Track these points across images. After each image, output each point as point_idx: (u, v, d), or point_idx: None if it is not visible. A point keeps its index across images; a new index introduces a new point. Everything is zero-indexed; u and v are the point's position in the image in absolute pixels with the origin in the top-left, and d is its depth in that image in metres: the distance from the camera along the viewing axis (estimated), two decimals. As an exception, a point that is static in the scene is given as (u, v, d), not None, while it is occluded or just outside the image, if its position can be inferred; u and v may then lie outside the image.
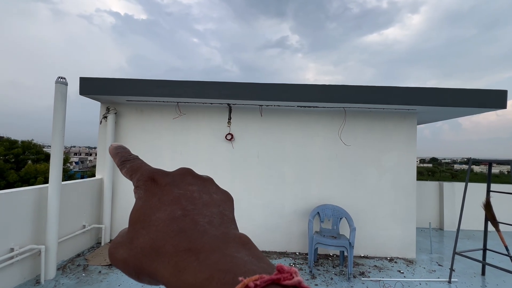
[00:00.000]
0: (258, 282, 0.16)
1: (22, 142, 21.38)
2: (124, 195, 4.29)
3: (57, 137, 3.07)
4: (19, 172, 18.81)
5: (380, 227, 4.12)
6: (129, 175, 0.28)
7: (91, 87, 3.87)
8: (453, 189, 5.89)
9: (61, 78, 3.10)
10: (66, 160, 26.31)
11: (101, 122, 4.26)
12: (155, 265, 0.20)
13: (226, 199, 0.26)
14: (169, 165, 4.27)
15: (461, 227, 5.79)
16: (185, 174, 0.27)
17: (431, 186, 6.10)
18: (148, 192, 0.25)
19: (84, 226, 3.83)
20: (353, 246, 3.25)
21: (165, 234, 0.21)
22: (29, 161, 21.03)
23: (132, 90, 3.87)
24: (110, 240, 4.20)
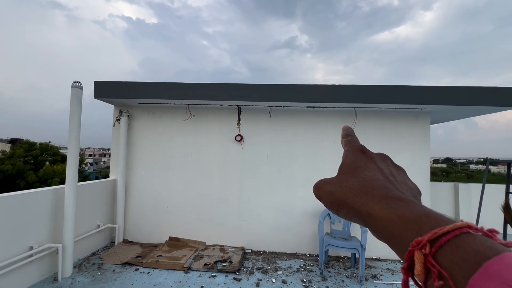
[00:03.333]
0: (477, 227, 0.19)
1: (40, 144, 22.20)
2: (137, 196, 4.39)
3: (73, 139, 3.18)
4: (37, 173, 19.54)
5: (392, 229, 4.03)
6: (345, 143, 0.37)
7: (104, 90, 3.98)
8: (469, 190, 5.70)
9: (77, 82, 3.21)
10: (81, 161, 27.13)
11: (114, 124, 4.38)
12: (363, 200, 0.26)
13: (416, 189, 0.31)
14: (181, 166, 4.34)
15: (478, 230, 5.60)
16: (386, 157, 0.34)
17: (445, 187, 5.92)
18: (356, 156, 0.32)
19: (98, 226, 3.94)
20: (364, 248, 3.20)
21: (372, 185, 0.27)
22: (47, 163, 21.80)
23: (143, 93, 3.96)
24: (124, 239, 4.30)
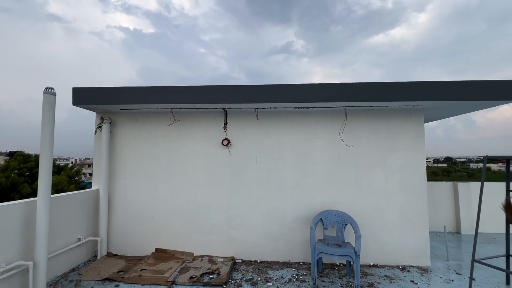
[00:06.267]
0: None
1: (35, 155, 21.94)
2: (121, 206, 4.18)
3: (45, 148, 2.99)
4: (32, 185, 19.24)
5: (390, 233, 3.83)
6: None
7: (83, 97, 3.81)
8: (469, 189, 5.51)
9: (49, 88, 3.04)
10: (78, 172, 26.80)
11: (95, 132, 4.20)
12: None
13: None
14: (166, 173, 4.15)
15: (481, 230, 5.41)
16: None
17: (444, 187, 5.74)
18: None
19: (79, 239, 3.73)
20: (359, 255, 2.99)
21: None
22: (42, 174, 21.46)
23: (125, 98, 3.79)
24: (108, 252, 4.08)
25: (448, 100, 3.36)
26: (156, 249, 4.07)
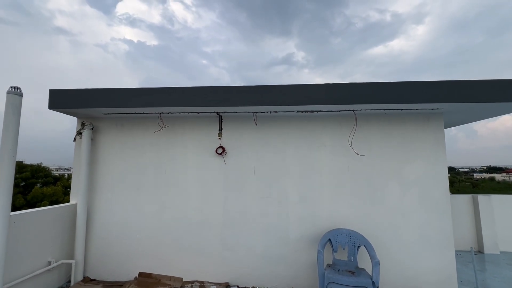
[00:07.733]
0: None
1: (31, 165, 21.52)
2: (101, 223, 3.70)
3: (6, 157, 2.55)
4: (26, 196, 18.73)
5: (409, 255, 3.32)
6: None
7: (61, 100, 3.41)
8: (490, 202, 5.00)
9: (14, 88, 2.64)
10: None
11: (75, 139, 3.77)
12: None
13: None
14: (154, 185, 3.69)
15: (502, 249, 4.87)
16: None
17: (462, 200, 5.22)
18: None
19: (49, 263, 3.23)
20: (377, 287, 2.48)
21: None
22: (38, 185, 21.02)
23: (107, 101, 3.38)
24: (84, 277, 3.56)
25: (475, 102, 2.92)
26: (140, 273, 3.55)
